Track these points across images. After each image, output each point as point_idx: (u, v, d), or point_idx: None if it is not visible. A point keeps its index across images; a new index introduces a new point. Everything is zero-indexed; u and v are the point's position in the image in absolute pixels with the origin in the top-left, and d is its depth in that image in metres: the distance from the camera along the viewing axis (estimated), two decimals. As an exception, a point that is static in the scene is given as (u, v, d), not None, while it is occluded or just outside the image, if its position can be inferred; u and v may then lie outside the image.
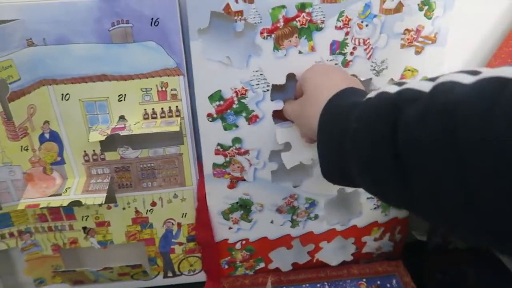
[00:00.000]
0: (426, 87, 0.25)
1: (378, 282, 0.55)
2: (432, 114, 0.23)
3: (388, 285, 0.54)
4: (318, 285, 0.54)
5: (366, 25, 0.41)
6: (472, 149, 0.20)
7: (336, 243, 0.57)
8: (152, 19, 0.40)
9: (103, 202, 0.44)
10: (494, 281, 0.49)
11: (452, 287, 0.53)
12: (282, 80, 0.43)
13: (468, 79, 0.22)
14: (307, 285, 0.54)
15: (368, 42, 0.42)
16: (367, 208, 0.54)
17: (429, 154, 0.23)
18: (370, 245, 0.58)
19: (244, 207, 0.51)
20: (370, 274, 0.56)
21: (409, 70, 0.44)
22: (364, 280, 0.55)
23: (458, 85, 0.22)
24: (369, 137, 0.28)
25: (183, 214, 0.52)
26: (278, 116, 0.45)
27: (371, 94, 0.30)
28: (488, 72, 0.22)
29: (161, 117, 0.45)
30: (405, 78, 0.45)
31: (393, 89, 0.28)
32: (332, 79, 0.37)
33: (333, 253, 0.58)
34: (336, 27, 0.41)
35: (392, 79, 0.45)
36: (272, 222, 0.53)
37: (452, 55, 0.48)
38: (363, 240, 0.57)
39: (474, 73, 0.23)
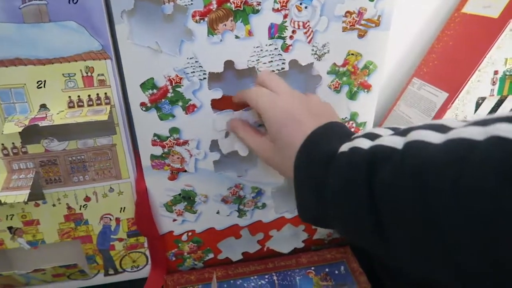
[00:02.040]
0: (398, 143, 0.26)
1: (327, 270, 0.54)
2: (404, 177, 0.24)
3: (336, 272, 0.54)
4: (267, 277, 0.53)
5: (305, 7, 0.39)
6: (444, 212, 0.22)
7: (286, 231, 0.56)
8: (70, -4, 0.36)
9: (26, 200, 0.40)
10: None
11: (399, 271, 0.53)
12: (219, 68, 0.40)
13: (437, 138, 0.23)
14: (255, 277, 0.53)
15: (308, 25, 0.40)
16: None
17: (405, 215, 0.24)
18: (320, 231, 0.58)
19: (187, 198, 0.49)
20: (318, 262, 0.55)
21: (352, 54, 0.43)
22: (312, 268, 0.54)
23: (427, 146, 0.24)
24: (346, 195, 0.28)
25: (121, 208, 0.49)
26: (217, 105, 0.43)
27: (344, 148, 0.30)
28: (456, 132, 0.23)
29: (89, 105, 0.41)
30: (349, 63, 0.43)
31: (366, 144, 0.28)
32: (300, 123, 0.35)
33: (283, 241, 0.57)
34: (273, 10, 0.38)
35: (335, 64, 0.43)
36: (218, 212, 0.51)
37: (395, 39, 0.47)
38: (314, 227, 0.56)
39: (442, 129, 0.24)
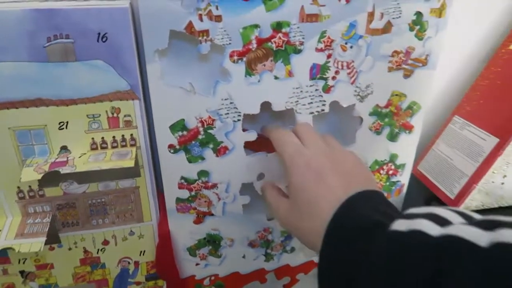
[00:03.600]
0: (481, 239, 0.20)
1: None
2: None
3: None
4: (293, 324, 0.50)
5: (351, 47, 0.36)
6: None
7: (314, 275, 0.52)
8: (99, 34, 0.33)
9: (42, 249, 0.37)
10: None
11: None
12: (255, 110, 0.37)
13: None
14: (281, 324, 0.49)
15: (352, 66, 0.37)
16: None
17: None
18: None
19: (212, 242, 0.45)
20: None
21: (396, 95, 0.40)
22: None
23: None
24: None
25: (141, 252, 0.45)
26: (250, 146, 0.40)
27: (399, 226, 0.24)
28: None
29: (113, 147, 0.38)
30: (392, 104, 0.40)
31: (432, 229, 0.22)
32: (329, 185, 0.29)
33: (310, 285, 0.53)
34: (316, 49, 0.35)
35: (377, 105, 0.40)
36: (244, 256, 0.47)
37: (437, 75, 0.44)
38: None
39: None
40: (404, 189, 0.47)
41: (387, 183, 0.46)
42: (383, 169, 0.44)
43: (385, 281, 0.22)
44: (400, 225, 0.24)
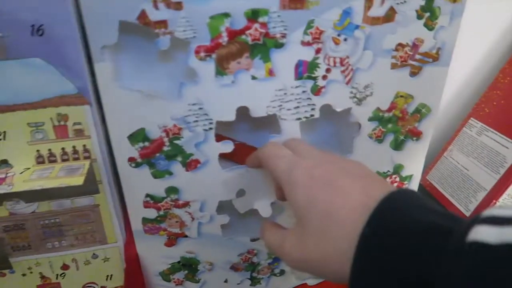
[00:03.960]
0: None
1: None
2: None
3: None
4: None
5: (345, 40, 0.29)
6: None
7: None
8: (34, 26, 0.27)
9: (-18, 280, 0.32)
10: None
11: None
12: (230, 116, 0.31)
13: None
14: None
15: (347, 62, 0.30)
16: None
17: None
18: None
19: (188, 266, 0.40)
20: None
21: (401, 96, 0.33)
22: None
23: None
24: None
25: (107, 276, 0.40)
26: (227, 157, 0.34)
27: (485, 236, 0.17)
28: None
29: (64, 160, 0.32)
30: (397, 107, 0.34)
31: None
32: (344, 191, 0.23)
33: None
34: (302, 43, 0.29)
35: (379, 109, 0.33)
36: (226, 281, 0.42)
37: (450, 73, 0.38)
38: (339, 292, 0.47)
39: None
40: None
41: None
42: (386, 182, 0.38)
43: None
44: (484, 233, 0.17)
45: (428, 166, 0.43)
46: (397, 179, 0.38)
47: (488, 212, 0.18)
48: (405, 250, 0.19)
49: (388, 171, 0.37)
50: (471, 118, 0.41)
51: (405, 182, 0.39)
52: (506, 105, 0.38)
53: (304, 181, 0.25)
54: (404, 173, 0.38)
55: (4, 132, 0.30)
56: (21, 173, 0.31)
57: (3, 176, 0.31)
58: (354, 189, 0.23)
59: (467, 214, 0.36)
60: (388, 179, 0.38)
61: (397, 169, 0.37)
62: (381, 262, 0.19)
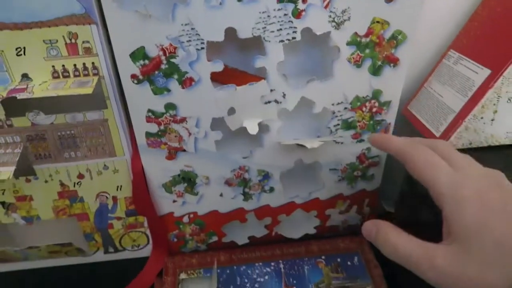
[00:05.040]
0: None
1: (338, 260, 0.50)
2: None
3: (349, 263, 0.50)
4: (273, 264, 0.49)
5: (323, -38, 0.32)
6: None
7: (296, 217, 0.51)
8: (45, -52, 0.31)
9: (11, 177, 0.37)
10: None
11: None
12: (219, 37, 0.34)
13: None
14: (260, 264, 0.49)
15: (326, -15, 0.33)
16: (330, 180, 0.48)
17: None
18: (335, 218, 0.53)
19: (187, 180, 0.45)
20: (330, 250, 0.51)
21: (378, 22, 0.36)
22: (323, 257, 0.50)
23: None
24: None
25: (118, 187, 0.45)
26: (218, 79, 0.38)
27: None
28: None
29: (75, 76, 0.37)
30: (373, 32, 0.37)
31: None
32: None
33: (293, 227, 0.53)
34: (283, -36, 0.32)
35: (356, 33, 0.36)
36: (221, 195, 0.47)
37: (429, 2, 0.40)
38: (327, 213, 0.52)
39: None
40: (391, 129, 0.44)
41: (371, 122, 0.43)
42: (365, 106, 0.41)
43: None
44: None
45: (410, 98, 0.46)
46: (376, 104, 0.42)
47: None
48: None
49: (367, 95, 0.41)
50: (451, 50, 0.43)
51: (384, 108, 0.42)
52: (481, 35, 0.40)
53: (475, 204, 0.25)
54: (383, 99, 0.41)
55: (24, 47, 0.35)
56: (40, 85, 0.36)
57: (24, 87, 0.36)
58: None
59: (437, 135, 0.39)
60: (367, 104, 0.41)
61: (376, 94, 0.41)
62: None
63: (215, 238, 0.52)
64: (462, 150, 0.39)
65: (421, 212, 0.48)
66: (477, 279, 0.23)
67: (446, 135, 0.38)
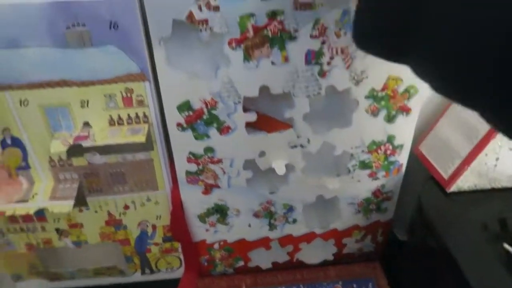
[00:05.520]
0: None
1: (354, 285, 0.54)
2: None
3: (365, 288, 0.54)
4: (294, 287, 0.54)
5: (344, 33, 0.37)
6: None
7: (316, 244, 0.56)
8: (111, 22, 0.37)
9: (70, 210, 0.43)
10: None
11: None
12: (254, 93, 0.40)
13: None
14: (282, 287, 0.54)
15: (347, 51, 0.39)
16: (347, 212, 0.53)
17: None
18: (351, 246, 0.57)
19: (220, 211, 0.50)
20: (347, 276, 0.55)
21: (392, 79, 0.41)
22: (340, 283, 0.54)
23: None
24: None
25: (157, 216, 0.51)
26: (251, 125, 0.43)
27: None
28: None
29: (128, 123, 0.43)
30: (388, 87, 0.42)
31: None
32: None
33: (313, 253, 0.57)
34: (311, 36, 0.37)
35: (373, 89, 0.41)
36: (249, 225, 0.52)
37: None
38: (344, 242, 0.56)
39: None
40: (403, 169, 0.49)
41: (385, 162, 0.48)
42: (380, 149, 0.46)
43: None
44: None
45: (422, 138, 0.51)
46: (390, 147, 0.46)
47: None
48: None
49: (382, 140, 0.46)
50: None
51: (397, 150, 0.47)
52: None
53: None
54: (396, 143, 0.46)
55: (87, 100, 0.41)
56: (100, 131, 0.42)
57: (87, 134, 0.42)
58: None
59: (446, 177, 0.44)
60: (382, 147, 0.46)
61: (390, 139, 0.46)
62: None
63: (241, 263, 0.56)
64: (468, 192, 0.44)
65: (431, 241, 0.52)
66: None
67: (453, 178, 0.43)
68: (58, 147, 0.40)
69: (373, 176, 0.49)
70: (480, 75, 0.19)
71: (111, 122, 0.43)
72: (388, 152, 0.47)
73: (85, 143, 0.40)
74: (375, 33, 0.23)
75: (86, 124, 0.42)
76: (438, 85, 0.22)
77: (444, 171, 0.44)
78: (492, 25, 0.18)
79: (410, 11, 0.20)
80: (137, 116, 0.42)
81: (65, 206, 0.44)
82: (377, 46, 0.24)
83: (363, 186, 0.50)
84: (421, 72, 0.22)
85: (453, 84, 0.21)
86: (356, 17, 0.24)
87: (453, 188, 0.43)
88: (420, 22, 0.20)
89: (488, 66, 0.18)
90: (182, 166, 0.45)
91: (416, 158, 0.50)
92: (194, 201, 0.49)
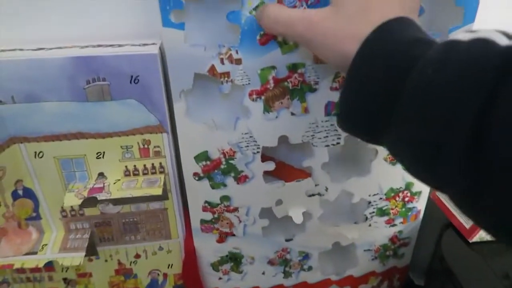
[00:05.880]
0: None
1: (372, 335, 0.52)
2: None
3: (383, 338, 0.52)
4: (310, 338, 0.52)
5: (366, 86, 0.37)
6: None
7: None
8: (132, 76, 0.37)
9: (81, 263, 0.42)
10: None
11: None
12: (273, 143, 0.39)
13: None
14: (298, 337, 0.52)
15: (367, 103, 0.38)
16: (364, 259, 0.51)
17: None
18: (366, 291, 0.56)
19: (234, 259, 0.49)
20: (364, 324, 0.54)
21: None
22: (357, 332, 0.53)
23: None
24: (446, 93, 0.20)
25: (169, 265, 0.49)
26: (269, 173, 0.42)
27: (461, 36, 0.21)
28: None
29: (144, 174, 0.42)
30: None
31: (500, 39, 0.20)
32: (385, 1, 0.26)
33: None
34: (331, 88, 0.37)
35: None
36: (263, 273, 0.50)
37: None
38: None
39: None
40: (421, 215, 0.48)
41: (403, 209, 0.47)
42: (398, 196, 0.46)
43: (437, 84, 0.20)
44: (460, 35, 0.21)
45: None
46: (408, 194, 0.46)
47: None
48: (402, 43, 0.23)
49: (401, 187, 0.45)
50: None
51: (415, 197, 0.46)
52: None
53: None
54: (414, 190, 0.46)
55: (103, 152, 0.40)
56: (114, 183, 0.41)
57: (101, 185, 0.41)
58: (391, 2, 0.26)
59: (467, 226, 0.43)
60: (400, 194, 0.46)
61: (408, 186, 0.45)
62: (381, 50, 0.24)
63: (254, 310, 0.54)
64: (490, 242, 0.43)
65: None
66: (345, 29, 0.26)
67: (476, 228, 0.42)
68: (72, 200, 0.39)
69: (390, 222, 0.48)
70: (445, 159, 0.20)
71: (127, 173, 0.42)
72: (406, 199, 0.46)
73: (100, 196, 0.39)
74: (356, 114, 0.26)
75: (101, 174, 0.42)
76: (407, 167, 0.24)
77: (465, 220, 0.43)
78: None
79: (387, 97, 0.23)
80: (153, 166, 0.42)
81: (76, 258, 0.42)
82: (356, 126, 0.27)
83: (380, 232, 0.49)
84: (394, 154, 0.25)
85: (421, 167, 0.23)
86: (340, 99, 0.26)
87: (475, 238, 0.42)
88: (394, 108, 0.23)
89: (454, 152, 0.20)
90: (197, 215, 0.44)
91: (433, 203, 0.50)
92: (208, 249, 0.47)
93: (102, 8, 0.37)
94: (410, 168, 0.24)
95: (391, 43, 0.23)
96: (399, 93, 0.22)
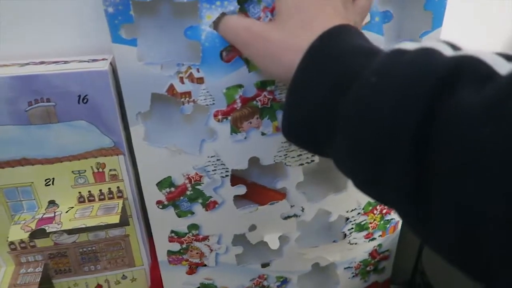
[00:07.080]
0: (501, 64, 0.18)
1: None
2: None
3: None
4: None
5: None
6: None
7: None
8: (80, 96, 0.32)
9: (33, 301, 0.38)
10: None
11: None
12: (243, 165, 0.36)
13: None
14: None
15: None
16: (344, 277, 0.48)
17: (487, 167, 0.16)
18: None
19: (206, 289, 0.45)
20: None
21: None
22: None
23: None
24: (390, 106, 0.19)
25: (135, 294, 0.45)
26: (241, 196, 0.39)
27: (407, 46, 0.21)
28: None
29: (100, 199, 0.38)
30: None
31: (446, 49, 0.20)
32: (326, 10, 0.26)
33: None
34: (305, 106, 0.34)
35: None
36: (239, 301, 0.47)
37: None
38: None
39: None
40: (399, 226, 0.46)
41: (382, 222, 0.44)
42: (376, 209, 0.43)
43: (378, 96, 0.20)
44: (406, 44, 0.21)
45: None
46: (386, 207, 0.43)
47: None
48: (345, 52, 0.23)
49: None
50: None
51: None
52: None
53: None
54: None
55: (53, 178, 0.36)
56: (66, 212, 0.37)
57: (52, 215, 0.36)
58: (331, 11, 0.26)
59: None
60: (378, 207, 0.43)
61: (391, 205, 0.42)
62: (323, 60, 0.23)
63: None
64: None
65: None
66: (287, 41, 0.26)
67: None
68: (18, 234, 0.35)
69: (369, 237, 0.45)
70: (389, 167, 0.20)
71: (81, 199, 0.38)
72: (384, 211, 0.44)
73: (50, 228, 0.35)
74: (298, 127, 0.25)
75: (52, 202, 0.37)
76: (353, 178, 0.23)
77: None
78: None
79: (328, 108, 0.22)
80: (110, 191, 0.38)
81: (27, 296, 0.38)
82: (300, 138, 0.26)
83: (360, 248, 0.46)
84: (338, 165, 0.24)
85: (365, 178, 0.22)
86: (283, 110, 0.26)
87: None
88: (336, 120, 0.22)
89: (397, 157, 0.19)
90: (164, 246, 0.40)
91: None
92: (177, 282, 0.43)
93: (43, 19, 0.32)
94: (355, 180, 0.23)
95: (334, 52, 0.23)
96: (341, 103, 0.21)
